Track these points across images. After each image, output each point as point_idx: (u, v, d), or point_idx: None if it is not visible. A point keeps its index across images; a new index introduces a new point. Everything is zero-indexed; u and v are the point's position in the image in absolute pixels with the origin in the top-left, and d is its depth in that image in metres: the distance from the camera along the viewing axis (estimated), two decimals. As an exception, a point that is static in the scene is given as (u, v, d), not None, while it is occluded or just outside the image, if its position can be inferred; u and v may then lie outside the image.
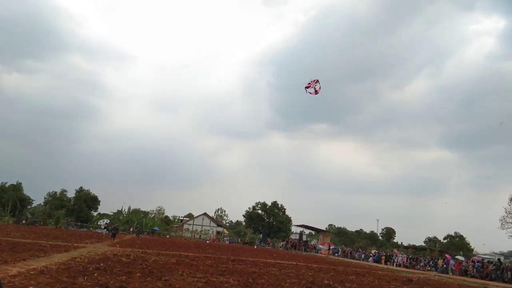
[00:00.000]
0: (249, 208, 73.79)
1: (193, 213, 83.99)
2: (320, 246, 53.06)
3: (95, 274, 8.79)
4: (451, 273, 30.33)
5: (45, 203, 70.20)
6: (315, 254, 48.35)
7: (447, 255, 36.37)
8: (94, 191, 71.16)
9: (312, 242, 64.37)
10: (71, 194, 70.28)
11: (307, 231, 69.28)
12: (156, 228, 64.24)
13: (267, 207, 72.97)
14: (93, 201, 69.92)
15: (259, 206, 73.92)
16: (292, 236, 67.38)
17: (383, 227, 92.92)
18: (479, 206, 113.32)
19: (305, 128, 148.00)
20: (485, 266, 29.64)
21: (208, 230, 71.20)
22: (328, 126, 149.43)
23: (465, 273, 29.84)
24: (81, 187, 70.93)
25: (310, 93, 25.03)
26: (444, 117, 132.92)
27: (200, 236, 67.18)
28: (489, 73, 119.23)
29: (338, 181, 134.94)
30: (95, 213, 70.09)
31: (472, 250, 67.39)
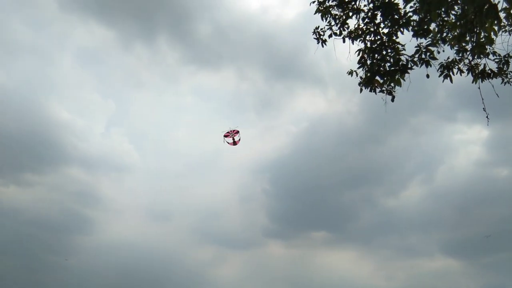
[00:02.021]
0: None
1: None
2: None
3: None
4: None
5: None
6: None
7: None
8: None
9: None
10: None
11: None
12: None
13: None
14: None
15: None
16: None
17: None
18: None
19: (303, 235, 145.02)
20: None
21: None
22: (327, 233, 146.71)
23: None
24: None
25: (228, 142, 23.52)
26: (443, 224, 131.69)
27: None
28: (479, 179, 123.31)
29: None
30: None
31: None
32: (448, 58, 9.02)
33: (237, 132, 23.36)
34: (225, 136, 23.39)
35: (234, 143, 23.44)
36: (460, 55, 8.95)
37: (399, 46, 8.50)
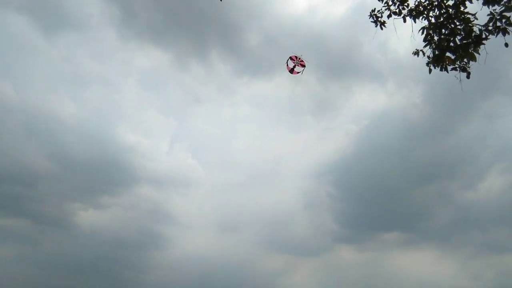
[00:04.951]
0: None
1: None
2: None
3: None
4: None
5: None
6: None
7: None
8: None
9: None
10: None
11: None
12: None
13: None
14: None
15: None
16: None
17: None
18: None
19: (374, 238, 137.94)
20: None
21: None
22: (399, 234, 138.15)
23: None
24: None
25: (287, 65, 20.51)
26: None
27: None
28: None
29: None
30: None
31: None
32: (529, 22, 8.05)
33: (304, 65, 20.21)
34: (291, 58, 20.48)
35: (292, 71, 20.39)
36: (543, 17, 7.94)
37: (470, 16, 7.79)
